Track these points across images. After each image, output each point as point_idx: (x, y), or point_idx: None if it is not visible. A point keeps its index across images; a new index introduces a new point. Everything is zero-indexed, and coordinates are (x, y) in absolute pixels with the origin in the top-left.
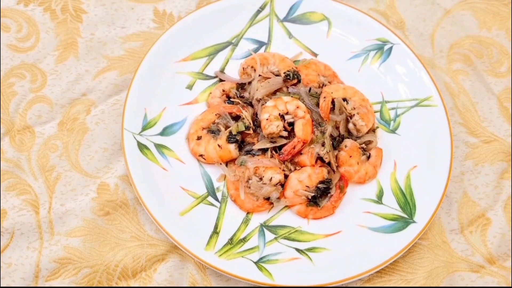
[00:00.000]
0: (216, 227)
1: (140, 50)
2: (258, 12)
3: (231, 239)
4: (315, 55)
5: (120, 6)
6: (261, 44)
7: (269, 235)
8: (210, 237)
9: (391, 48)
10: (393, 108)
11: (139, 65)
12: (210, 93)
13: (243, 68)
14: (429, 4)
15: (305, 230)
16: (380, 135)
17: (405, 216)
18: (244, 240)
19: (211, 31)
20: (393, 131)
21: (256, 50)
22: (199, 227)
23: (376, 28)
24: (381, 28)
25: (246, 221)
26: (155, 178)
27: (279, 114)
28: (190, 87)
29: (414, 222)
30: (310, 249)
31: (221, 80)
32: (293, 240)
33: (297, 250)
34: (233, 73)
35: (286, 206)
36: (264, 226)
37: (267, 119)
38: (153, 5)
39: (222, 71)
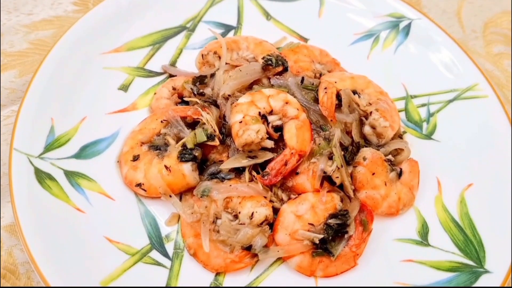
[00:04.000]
0: None
1: (52, 41)
2: None
3: None
4: (305, 40)
5: None
6: (228, 28)
7: None
8: None
9: (409, 25)
10: (423, 105)
11: (45, 57)
12: (155, 93)
13: (203, 55)
14: None
15: None
16: (410, 143)
17: (471, 263)
18: None
19: (156, 12)
20: (428, 137)
21: (222, 36)
22: None
23: (385, 1)
24: (391, 0)
25: None
26: (63, 226)
27: (259, 113)
28: (124, 87)
29: (486, 271)
30: None
31: (171, 77)
32: None
33: None
34: (189, 67)
35: (279, 258)
36: None
37: (240, 122)
38: None
39: (172, 65)
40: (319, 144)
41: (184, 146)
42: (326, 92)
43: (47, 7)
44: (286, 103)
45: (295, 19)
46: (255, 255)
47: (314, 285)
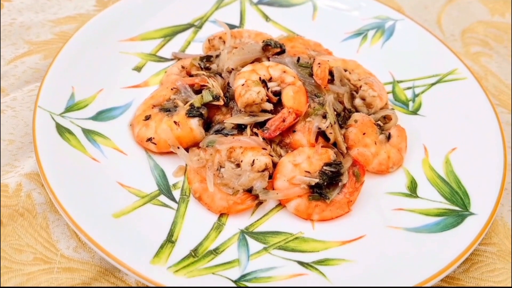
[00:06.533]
0: (170, 234)
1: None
2: None
3: (195, 250)
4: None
5: None
6: (231, 27)
7: (254, 245)
8: (161, 247)
9: (394, 25)
10: (408, 88)
11: (70, 37)
12: (165, 72)
13: (209, 40)
14: None
15: (309, 237)
16: (398, 117)
17: (457, 208)
18: (215, 251)
19: (168, 11)
20: (415, 112)
21: None
22: (143, 234)
23: (371, 5)
24: (377, 5)
25: (218, 227)
26: (79, 171)
27: (260, 78)
28: (138, 69)
29: (472, 213)
30: (320, 262)
31: None
32: (293, 250)
33: (301, 263)
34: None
35: (278, 205)
36: (246, 233)
37: (243, 85)
38: None
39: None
40: (314, 107)
41: (191, 105)
42: (319, 66)
43: (70, 9)
44: (284, 72)
45: (291, 21)
46: (256, 197)
47: (311, 228)
